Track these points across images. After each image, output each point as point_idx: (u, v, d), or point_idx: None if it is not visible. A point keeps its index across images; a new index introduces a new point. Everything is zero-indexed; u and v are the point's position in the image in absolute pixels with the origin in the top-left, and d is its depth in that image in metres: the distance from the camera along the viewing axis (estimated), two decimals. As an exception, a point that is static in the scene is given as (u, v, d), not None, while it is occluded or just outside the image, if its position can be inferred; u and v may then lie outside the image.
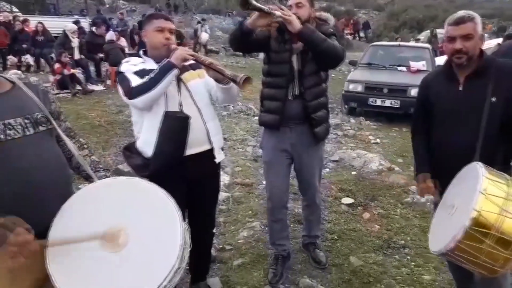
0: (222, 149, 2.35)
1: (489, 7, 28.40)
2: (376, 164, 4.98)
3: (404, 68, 8.24)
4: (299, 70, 2.49)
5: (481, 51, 2.01)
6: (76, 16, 15.38)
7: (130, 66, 2.13)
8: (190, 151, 2.14)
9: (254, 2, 2.12)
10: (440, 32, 19.41)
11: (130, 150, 2.23)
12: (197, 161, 2.18)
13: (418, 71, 8.02)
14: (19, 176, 1.43)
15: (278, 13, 2.19)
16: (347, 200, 3.98)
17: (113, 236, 1.38)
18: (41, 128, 1.55)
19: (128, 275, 1.32)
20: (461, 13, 1.98)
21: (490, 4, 34.24)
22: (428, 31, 19.41)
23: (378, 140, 6.41)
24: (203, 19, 19.34)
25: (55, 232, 1.41)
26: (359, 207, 3.89)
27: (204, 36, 17.52)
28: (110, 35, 10.13)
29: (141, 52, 2.26)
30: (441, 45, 17.06)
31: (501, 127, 1.94)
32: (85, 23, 14.69)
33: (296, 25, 2.24)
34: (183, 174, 2.17)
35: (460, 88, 2.02)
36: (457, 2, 38.36)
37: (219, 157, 2.29)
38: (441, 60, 10.33)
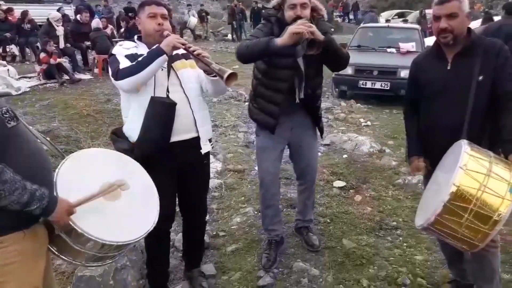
0: (210, 140, 2.33)
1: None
2: (367, 147, 5.00)
3: (393, 50, 8.21)
4: (305, 72, 2.48)
5: (469, 30, 2.00)
6: (60, 4, 15.01)
7: (122, 49, 2.13)
8: (176, 137, 2.13)
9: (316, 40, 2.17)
10: (429, 13, 19.34)
11: (117, 134, 2.22)
12: (184, 148, 2.17)
13: (408, 52, 8.00)
14: (34, 156, 1.49)
15: (304, 27, 2.18)
16: (339, 183, 4.00)
17: (111, 189, 1.68)
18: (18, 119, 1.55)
19: (128, 217, 1.70)
20: None
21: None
22: (417, 11, 19.31)
23: (369, 123, 6.42)
24: (189, 4, 18.97)
25: (63, 191, 1.53)
26: (351, 190, 3.92)
27: (192, 21, 17.27)
28: (96, 23, 9.94)
29: (135, 37, 2.24)
30: (430, 25, 17.05)
31: (488, 106, 1.96)
32: (69, 10, 14.39)
33: (319, 35, 2.23)
34: (171, 161, 2.16)
35: (449, 67, 2.03)
36: (446, -19, 38.15)
37: (205, 147, 2.27)
38: (430, 41, 10.35)
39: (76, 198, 1.52)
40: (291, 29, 2.20)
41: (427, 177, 2.17)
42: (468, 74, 1.94)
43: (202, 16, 18.35)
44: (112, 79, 2.06)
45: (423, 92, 2.15)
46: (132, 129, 2.12)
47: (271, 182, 2.76)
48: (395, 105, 7.08)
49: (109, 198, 1.65)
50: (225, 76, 1.92)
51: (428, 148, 2.19)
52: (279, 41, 2.24)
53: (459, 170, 1.68)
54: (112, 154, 1.97)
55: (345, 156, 4.83)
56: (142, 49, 2.12)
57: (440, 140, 2.03)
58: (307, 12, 2.37)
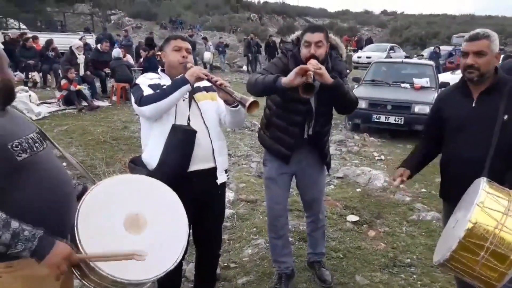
0: (226, 171, 2.36)
1: (489, 23, 28.66)
2: (381, 181, 4.97)
3: (407, 85, 8.28)
4: (316, 109, 2.51)
5: (496, 69, 2.04)
6: (82, 33, 15.62)
7: (146, 79, 2.22)
8: (194, 166, 2.16)
9: (315, 84, 2.18)
10: (443, 49, 19.56)
11: (135, 163, 2.25)
12: (200, 178, 2.19)
13: (422, 87, 8.06)
14: (51, 187, 1.47)
15: (311, 69, 2.20)
16: (352, 218, 3.96)
17: (134, 220, 1.58)
18: (47, 142, 1.58)
19: (150, 252, 1.53)
20: (477, 30, 2.02)
21: (490, 20, 34.53)
22: (432, 47, 19.54)
23: (382, 157, 6.40)
24: (204, 38, 19.46)
25: (83, 222, 1.47)
26: (364, 225, 3.87)
27: (206, 55, 17.56)
28: (117, 52, 10.27)
29: (159, 70, 2.34)
30: (443, 62, 17.20)
31: (511, 146, 1.96)
32: (91, 39, 14.94)
33: (328, 78, 2.27)
34: (187, 191, 2.17)
35: (474, 105, 2.06)
36: (458, 19, 38.77)
37: (221, 178, 2.29)
38: (444, 77, 10.43)
39: (98, 232, 1.47)
40: (296, 69, 2.23)
41: (447, 215, 2.14)
42: (493, 113, 1.96)
43: (220, 49, 18.84)
44: (135, 106, 2.13)
45: (446, 126, 2.18)
46: (151, 156, 2.16)
47: (280, 212, 2.76)
48: (408, 140, 7.07)
49: (132, 230, 1.56)
50: (247, 104, 1.97)
51: (448, 181, 2.21)
52: (285, 80, 2.28)
53: (475, 207, 1.67)
54: (143, 180, 1.82)
55: (358, 190, 4.80)
56: (165, 81, 2.20)
57: (461, 173, 2.03)
58: (321, 51, 2.40)
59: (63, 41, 13.10)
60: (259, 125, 2.86)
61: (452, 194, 2.10)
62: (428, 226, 3.79)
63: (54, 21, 21.05)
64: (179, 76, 2.09)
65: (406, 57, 19.20)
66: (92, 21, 20.64)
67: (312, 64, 2.25)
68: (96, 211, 1.52)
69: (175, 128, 2.11)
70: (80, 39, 12.45)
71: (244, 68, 19.19)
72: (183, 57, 2.21)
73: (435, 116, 2.30)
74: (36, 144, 1.48)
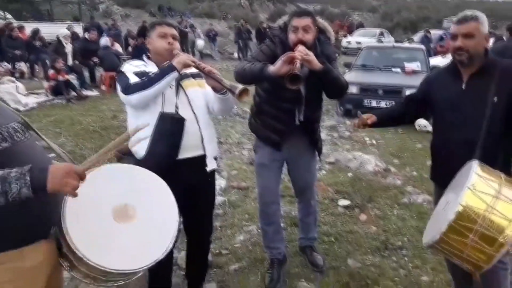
0: (216, 158, 2.34)
1: (481, 8, 28.68)
2: (372, 165, 4.98)
3: (398, 69, 8.26)
4: (305, 95, 2.48)
5: (486, 51, 2.02)
6: (69, 22, 15.33)
7: (131, 66, 2.17)
8: (183, 154, 2.14)
9: (301, 75, 2.12)
10: (434, 33, 19.53)
11: (122, 152, 2.21)
12: (190, 166, 2.17)
13: (413, 72, 8.05)
14: None
15: (299, 57, 2.17)
16: (344, 202, 3.97)
17: (123, 210, 1.56)
18: (30, 133, 1.55)
19: (139, 242, 1.55)
20: (466, 12, 2.00)
21: (482, 5, 34.52)
22: (422, 31, 19.48)
23: (373, 141, 6.41)
24: (191, 25, 19.05)
25: (70, 210, 1.44)
26: (355, 209, 3.89)
27: (200, 43, 17.44)
28: (105, 41, 10.13)
29: (143, 56, 2.28)
30: (434, 45, 17.17)
31: (502, 127, 1.95)
32: (78, 28, 14.68)
33: (316, 64, 2.25)
34: (177, 179, 2.14)
35: (463, 87, 2.05)
36: (449, 3, 38.68)
37: (210, 165, 2.27)
38: (435, 61, 10.42)
39: (86, 223, 1.44)
40: (283, 57, 2.20)
41: (438, 197, 2.15)
42: (483, 95, 1.95)
43: (210, 36, 18.64)
44: (121, 94, 2.08)
45: (435, 108, 2.18)
46: (139, 145, 2.12)
47: (271, 199, 2.75)
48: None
49: (121, 220, 1.54)
50: (237, 91, 1.94)
51: (439, 163, 2.21)
52: (272, 69, 2.25)
53: (466, 190, 1.67)
54: (131, 169, 1.79)
55: (350, 174, 4.81)
56: (151, 67, 2.15)
57: (451, 155, 2.04)
58: (309, 36, 2.37)
59: (50, 30, 12.81)
60: (250, 112, 2.83)
61: (443, 176, 2.10)
62: (419, 209, 3.82)
63: (40, 10, 20.62)
64: (166, 63, 2.05)
65: (396, 41, 19.15)
66: (79, 9, 20.22)
67: (300, 50, 2.21)
68: (83, 203, 1.48)
69: (163, 116, 2.08)
70: (68, 28, 12.23)
71: (235, 55, 19.05)
72: (169, 43, 2.16)
73: (421, 96, 2.30)
74: (18, 134, 1.44)
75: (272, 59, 2.33)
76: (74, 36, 11.86)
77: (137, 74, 2.09)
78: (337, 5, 39.49)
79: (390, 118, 2.42)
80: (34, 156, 1.48)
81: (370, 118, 2.28)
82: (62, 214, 1.43)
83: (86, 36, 10.87)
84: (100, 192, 1.56)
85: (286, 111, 2.52)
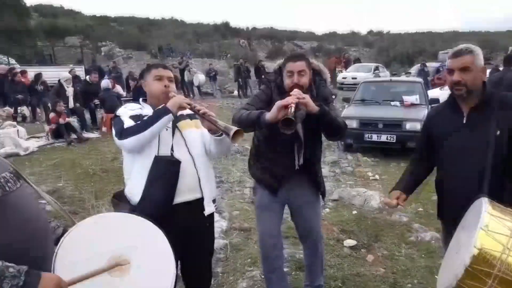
0: (214, 201, 2.26)
1: (474, 38, 29.26)
2: (377, 202, 4.87)
3: (397, 103, 8.29)
4: (304, 137, 2.43)
5: (484, 83, 2.00)
6: (71, 66, 15.67)
7: (127, 110, 2.14)
8: (179, 198, 2.07)
9: (293, 119, 2.09)
10: (430, 65, 19.87)
11: (119, 198, 2.15)
12: (187, 210, 2.10)
13: (412, 105, 8.08)
14: (25, 226, 1.41)
15: (294, 101, 2.15)
16: (350, 242, 3.84)
17: (117, 263, 1.49)
18: (21, 181, 1.52)
19: None
20: (460, 46, 2.00)
21: (475, 36, 35.32)
22: (418, 65, 19.83)
23: (377, 176, 6.32)
24: (186, 65, 18.77)
25: (62, 265, 1.41)
26: (362, 249, 3.75)
27: (201, 78, 17.56)
28: (106, 83, 10.28)
29: (140, 99, 2.26)
30: (431, 78, 17.42)
31: (506, 160, 1.91)
32: (80, 71, 14.97)
33: (313, 107, 2.23)
34: (173, 225, 2.06)
35: (464, 121, 2.01)
36: (443, 35, 39.63)
37: (208, 209, 2.19)
38: (433, 93, 10.50)
39: (76, 275, 1.40)
40: (278, 103, 2.17)
41: (447, 236, 2.06)
42: (485, 129, 1.92)
43: (210, 75, 18.95)
44: (115, 139, 2.04)
45: (438, 144, 2.13)
46: (134, 190, 2.07)
47: (273, 244, 2.65)
48: (402, 158, 7.01)
49: (116, 274, 1.48)
50: (231, 133, 1.91)
51: (446, 201, 2.15)
52: (268, 116, 2.22)
53: (480, 231, 1.58)
54: (126, 218, 1.77)
55: (354, 212, 4.70)
56: (147, 110, 2.13)
57: (458, 192, 1.98)
58: (304, 79, 2.36)
59: (53, 74, 13.06)
60: (249, 154, 2.78)
61: (450, 214, 2.03)
62: (428, 247, 3.69)
63: (43, 54, 21.15)
64: (160, 106, 2.02)
65: (393, 74, 19.47)
66: (82, 53, 20.72)
67: (295, 94, 2.19)
68: (75, 254, 1.44)
69: (157, 160, 2.03)
70: (70, 71, 12.47)
71: (235, 93, 19.29)
72: (166, 86, 2.15)
73: (425, 135, 2.26)
74: (9, 184, 1.42)
75: (268, 104, 2.32)
76: (76, 79, 12.07)
77: (133, 117, 2.07)
78: (333, 42, 40.54)
79: (414, 186, 2.29)
80: (26, 206, 1.46)
81: (400, 197, 2.17)
82: (53, 268, 1.39)
83: (87, 79, 11.04)
84: (93, 244, 1.51)
85: (285, 155, 2.47)
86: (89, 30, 31.86)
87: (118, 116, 2.10)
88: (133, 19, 39.01)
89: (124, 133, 1.98)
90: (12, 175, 1.48)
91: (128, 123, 2.03)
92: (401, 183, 2.28)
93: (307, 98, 2.22)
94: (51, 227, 1.69)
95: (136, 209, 2.03)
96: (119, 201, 2.15)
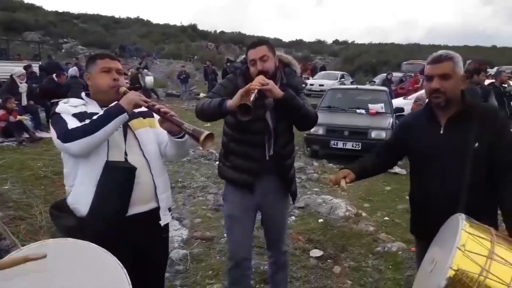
0: (170, 209, 2.03)
1: (434, 51, 30.42)
2: (343, 210, 4.77)
3: (363, 111, 8.33)
4: (274, 128, 2.29)
5: (463, 93, 1.88)
6: (27, 61, 14.80)
7: (69, 107, 1.84)
8: (133, 209, 1.82)
9: (251, 105, 1.94)
10: (395, 75, 20.47)
11: (59, 209, 1.86)
12: (141, 222, 1.85)
13: (377, 113, 8.14)
14: None
15: (256, 87, 2.01)
16: (316, 253, 3.69)
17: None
18: None
19: None
20: (440, 52, 1.89)
21: (435, 49, 36.84)
22: (384, 74, 20.32)
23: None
24: (137, 68, 17.93)
25: None
26: (328, 260, 3.61)
27: (148, 80, 16.29)
28: (74, 71, 9.77)
29: (83, 94, 1.96)
30: (395, 88, 17.87)
31: (485, 175, 1.79)
32: (36, 67, 14.17)
33: (278, 92, 2.11)
34: (125, 238, 1.81)
35: (442, 132, 1.88)
36: (405, 48, 41.10)
37: (164, 218, 1.96)
38: (397, 102, 10.68)
39: None
40: (240, 91, 2.05)
41: (421, 254, 1.93)
42: (463, 141, 1.80)
43: (181, 78, 18.55)
44: (57, 141, 1.73)
45: (414, 157, 2.01)
46: (80, 200, 1.79)
47: (243, 257, 2.45)
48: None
49: None
50: (202, 137, 1.66)
51: (420, 216, 2.02)
52: (230, 103, 2.08)
53: (456, 251, 1.45)
54: (72, 248, 1.45)
55: (320, 220, 4.57)
56: (93, 107, 1.86)
57: (432, 212, 1.85)
58: (268, 64, 2.23)
59: (5, 69, 12.26)
60: (218, 157, 2.57)
61: (425, 230, 1.90)
62: (395, 258, 3.59)
63: (-3, 48, 19.95)
64: (113, 104, 1.75)
65: (352, 83, 20.06)
66: (38, 49, 19.70)
67: (258, 80, 2.05)
68: None
69: (109, 166, 1.76)
70: (28, 67, 11.73)
71: (202, 95, 19.00)
72: (114, 79, 1.87)
73: (397, 142, 2.14)
74: None
75: (234, 93, 2.15)
76: (32, 75, 11.35)
77: (77, 116, 1.79)
78: (300, 50, 41.07)
79: (367, 172, 2.20)
80: None
81: (348, 175, 2.07)
82: None
83: (55, 77, 10.29)
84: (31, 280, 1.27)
85: (255, 146, 2.30)
86: (51, 26, 30.49)
87: (58, 114, 1.80)
88: (97, 17, 37.75)
89: (69, 135, 1.69)
90: None
91: (72, 123, 1.74)
92: (355, 165, 2.17)
93: (271, 83, 2.09)
94: None
95: (83, 224, 1.75)
96: (60, 213, 1.86)
